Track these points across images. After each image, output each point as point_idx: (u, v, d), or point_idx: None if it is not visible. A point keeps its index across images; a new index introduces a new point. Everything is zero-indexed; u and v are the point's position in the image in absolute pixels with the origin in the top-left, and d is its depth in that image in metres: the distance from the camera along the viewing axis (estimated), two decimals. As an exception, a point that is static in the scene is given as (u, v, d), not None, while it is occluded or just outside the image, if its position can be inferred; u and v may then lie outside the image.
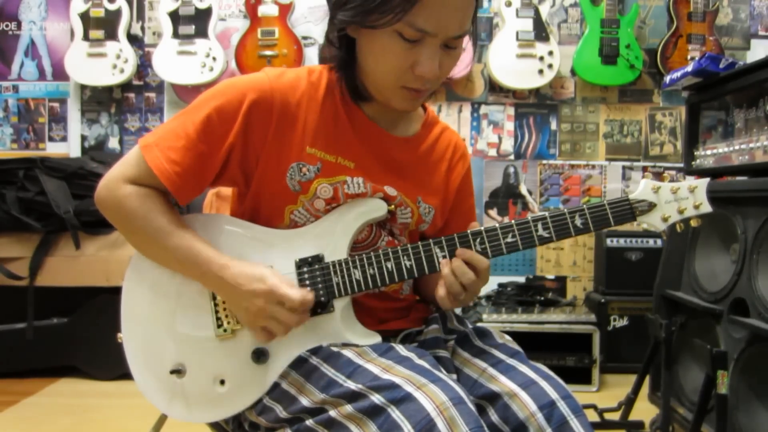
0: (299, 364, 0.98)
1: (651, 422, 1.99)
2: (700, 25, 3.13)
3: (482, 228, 1.00)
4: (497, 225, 1.00)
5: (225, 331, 1.01)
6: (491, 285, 3.10)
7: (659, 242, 2.88)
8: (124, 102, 3.40)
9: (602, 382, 2.65)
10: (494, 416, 0.95)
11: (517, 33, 3.12)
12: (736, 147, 1.73)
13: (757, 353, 1.54)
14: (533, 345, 2.50)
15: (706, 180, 1.00)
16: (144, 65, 3.36)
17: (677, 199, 1.00)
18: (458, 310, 2.91)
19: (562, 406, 0.92)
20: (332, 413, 0.89)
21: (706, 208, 0.99)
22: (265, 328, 0.97)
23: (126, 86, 3.36)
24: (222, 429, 1.10)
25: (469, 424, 0.82)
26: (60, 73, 3.37)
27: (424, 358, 0.94)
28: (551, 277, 3.32)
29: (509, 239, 0.99)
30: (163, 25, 3.18)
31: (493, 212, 3.35)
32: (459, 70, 3.16)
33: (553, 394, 0.93)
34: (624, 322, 2.86)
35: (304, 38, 3.26)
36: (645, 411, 1.99)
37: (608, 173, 3.34)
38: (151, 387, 1.04)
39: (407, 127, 1.13)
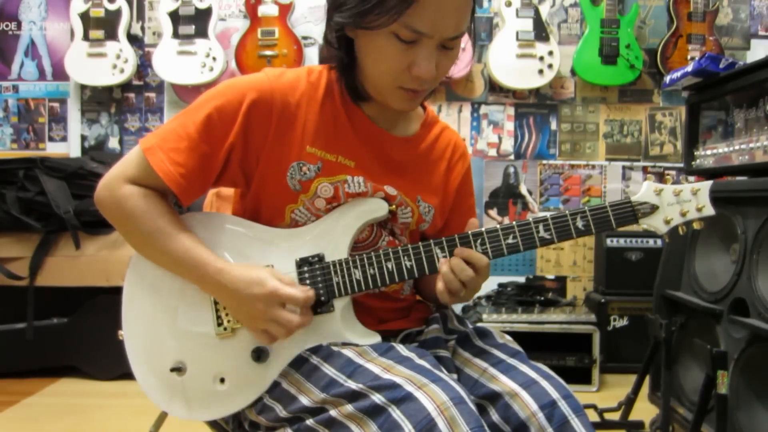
0: (299, 364, 0.98)
1: (651, 422, 1.99)
2: (700, 25, 3.13)
3: (483, 229, 1.00)
4: (498, 226, 1.00)
5: (225, 329, 1.01)
6: (491, 285, 3.10)
7: (659, 242, 2.88)
8: (124, 102, 3.40)
9: (602, 382, 2.65)
10: (495, 416, 0.95)
11: (517, 33, 3.12)
12: (736, 147, 1.73)
13: (757, 353, 1.54)
14: (533, 345, 2.50)
15: (709, 183, 0.99)
16: (144, 65, 3.36)
17: (680, 201, 0.99)
18: (458, 310, 2.91)
19: (563, 406, 0.92)
20: (333, 413, 0.89)
21: (709, 211, 0.99)
22: (267, 331, 0.97)
23: (126, 86, 3.36)
24: (222, 428, 1.10)
25: (469, 423, 0.82)
26: (60, 73, 3.37)
27: (424, 358, 0.94)
28: (551, 277, 3.32)
29: (510, 240, 0.99)
30: (163, 25, 3.18)
31: (493, 212, 3.35)
32: (459, 70, 3.16)
33: (554, 394, 0.93)
34: (624, 322, 2.86)
35: (304, 38, 3.26)
36: (645, 411, 1.99)
37: (608, 173, 3.34)
38: (152, 385, 1.04)
39: (407, 126, 1.13)
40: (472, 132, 3.35)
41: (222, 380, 1.01)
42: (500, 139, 3.35)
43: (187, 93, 3.35)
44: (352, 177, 1.04)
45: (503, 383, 0.97)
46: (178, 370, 1.02)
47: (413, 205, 1.10)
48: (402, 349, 0.96)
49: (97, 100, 3.40)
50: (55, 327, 2.68)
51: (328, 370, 0.94)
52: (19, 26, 3.41)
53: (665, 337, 1.77)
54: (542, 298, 2.96)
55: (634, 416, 1.95)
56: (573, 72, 3.25)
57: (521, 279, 3.23)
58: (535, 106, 3.34)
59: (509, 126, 3.35)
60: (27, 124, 3.42)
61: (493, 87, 3.32)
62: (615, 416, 1.98)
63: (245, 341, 1.01)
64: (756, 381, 1.57)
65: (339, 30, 1.00)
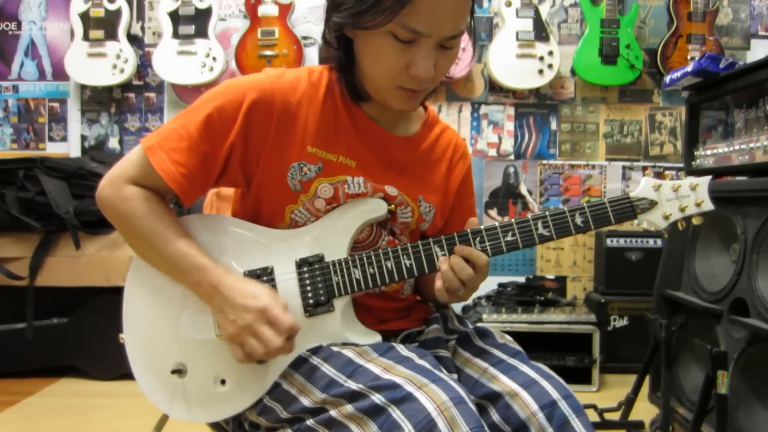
0: (299, 364, 0.98)
1: (651, 422, 1.99)
2: (700, 25, 3.13)
3: (482, 227, 1.00)
4: (497, 224, 1.00)
5: (226, 330, 1.01)
6: (491, 285, 3.10)
7: (659, 242, 2.88)
8: (124, 102, 3.40)
9: (602, 382, 2.65)
10: (495, 416, 0.95)
11: (517, 33, 3.12)
12: (736, 147, 1.73)
13: (757, 353, 1.54)
14: (533, 345, 2.50)
15: (708, 178, 0.99)
16: (144, 65, 3.36)
17: (678, 197, 0.99)
18: (458, 310, 2.91)
19: (564, 406, 0.92)
20: (333, 413, 0.89)
21: (708, 205, 0.99)
22: (246, 347, 0.95)
23: (126, 86, 3.36)
24: (222, 429, 1.10)
25: (469, 423, 0.82)
26: (60, 73, 3.37)
27: (424, 358, 0.94)
28: (551, 277, 3.32)
29: (509, 238, 0.99)
30: (163, 25, 3.18)
31: (493, 212, 3.35)
32: (459, 70, 3.16)
33: (555, 394, 0.93)
34: (624, 322, 2.86)
35: (304, 38, 3.26)
36: (645, 411, 1.99)
37: (608, 173, 3.34)
38: (152, 387, 1.04)
39: (408, 126, 1.14)
40: (472, 132, 3.35)
41: (222, 382, 1.01)
42: (500, 139, 3.35)
43: (187, 93, 3.35)
44: (352, 177, 1.04)
45: (503, 383, 0.97)
46: (178, 371, 1.02)
47: (414, 205, 1.10)
48: (402, 349, 0.96)
49: (97, 100, 3.40)
50: (55, 327, 2.68)
51: (328, 370, 0.94)
52: (19, 26, 3.41)
53: (665, 337, 1.77)
54: (542, 298, 2.96)
55: (634, 416, 1.95)
56: (573, 72, 3.25)
57: (521, 279, 3.23)
58: (535, 106, 3.34)
59: (509, 126, 3.35)
60: (27, 124, 3.42)
61: (493, 87, 3.32)
62: (615, 416, 1.98)
63: (245, 342, 1.00)
64: (756, 381, 1.57)
65: (338, 30, 1.00)
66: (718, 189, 1.68)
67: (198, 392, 1.02)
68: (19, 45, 3.41)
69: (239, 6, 3.33)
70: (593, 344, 2.60)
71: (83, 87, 3.37)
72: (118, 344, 1.07)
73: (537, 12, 3.12)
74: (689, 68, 1.84)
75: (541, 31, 3.12)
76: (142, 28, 3.38)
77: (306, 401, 0.93)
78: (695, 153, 1.94)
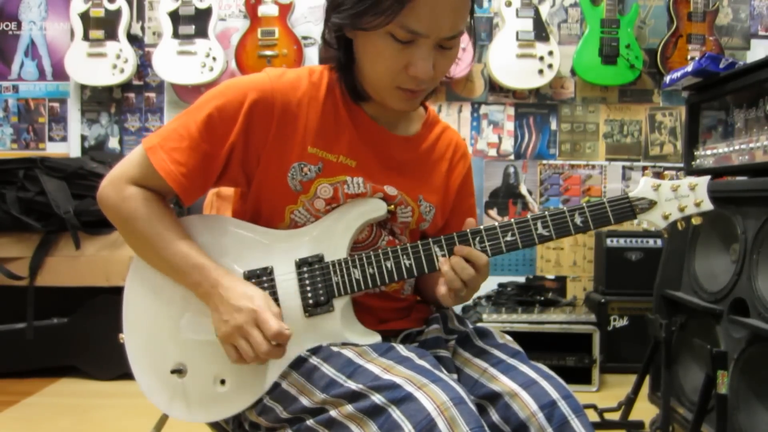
0: (299, 364, 0.98)
1: (651, 422, 1.99)
2: (700, 25, 3.13)
3: (482, 227, 1.00)
4: (496, 224, 1.00)
5: (225, 331, 1.01)
6: (491, 285, 3.10)
7: (659, 242, 2.88)
8: (124, 102, 3.40)
9: (602, 382, 2.65)
10: (495, 416, 0.95)
11: (517, 33, 3.12)
12: (736, 147, 1.73)
13: (757, 353, 1.54)
14: (533, 345, 2.50)
15: (707, 177, 0.99)
16: (144, 65, 3.36)
17: (678, 196, 0.99)
18: (458, 310, 2.91)
19: (563, 406, 0.92)
20: (333, 413, 0.89)
21: (708, 205, 0.99)
22: (237, 348, 0.95)
23: (126, 86, 3.36)
24: (222, 429, 1.10)
25: (469, 423, 0.82)
26: (60, 73, 3.37)
27: (424, 358, 0.94)
28: (551, 277, 3.32)
29: (509, 238, 0.99)
30: (163, 25, 3.18)
31: (493, 212, 3.35)
32: (459, 70, 3.16)
33: (554, 394, 0.93)
34: (624, 322, 2.86)
35: (304, 38, 3.26)
36: (645, 411, 1.99)
37: (608, 173, 3.34)
38: (152, 387, 1.04)
39: (408, 126, 1.14)
40: (472, 132, 3.35)
41: (222, 382, 1.01)
42: (500, 139, 3.35)
43: (187, 93, 3.35)
44: (351, 178, 1.04)
45: (503, 383, 0.96)
46: (178, 372, 1.02)
47: (414, 205, 1.10)
48: (402, 350, 0.96)
49: (97, 100, 3.40)
50: (55, 327, 2.68)
51: (328, 370, 0.94)
52: (19, 26, 3.41)
53: (665, 337, 1.77)
54: (542, 298, 2.96)
55: (634, 416, 1.95)
56: (573, 72, 3.25)
57: (521, 279, 3.23)
58: (535, 106, 3.34)
59: (509, 126, 3.35)
60: (27, 124, 3.42)
61: (493, 87, 3.32)
62: (615, 416, 1.98)
63: (245, 342, 1.00)
64: (756, 381, 1.57)
65: (337, 30, 1.00)
66: (718, 189, 1.68)
67: (198, 392, 1.02)
68: (19, 45, 3.42)
69: (239, 6, 3.33)
70: (593, 344, 2.60)
71: (83, 87, 3.37)
72: (118, 344, 1.07)
73: (537, 12, 3.12)
74: (689, 68, 1.84)
75: (541, 31, 3.12)
76: (142, 28, 3.38)
77: (306, 401, 0.93)
78: (695, 153, 1.94)
